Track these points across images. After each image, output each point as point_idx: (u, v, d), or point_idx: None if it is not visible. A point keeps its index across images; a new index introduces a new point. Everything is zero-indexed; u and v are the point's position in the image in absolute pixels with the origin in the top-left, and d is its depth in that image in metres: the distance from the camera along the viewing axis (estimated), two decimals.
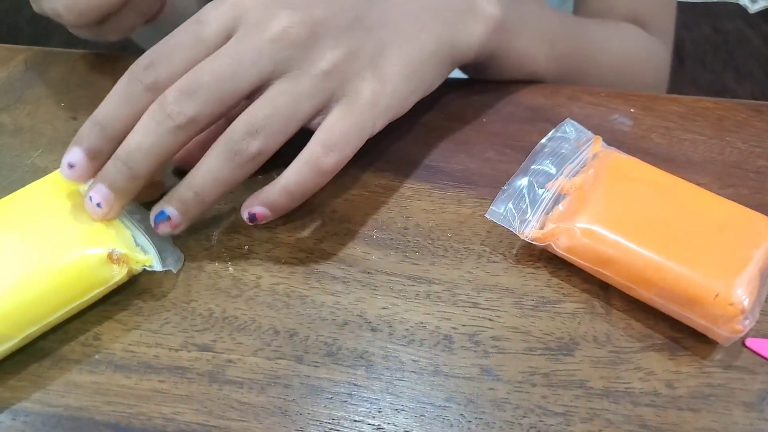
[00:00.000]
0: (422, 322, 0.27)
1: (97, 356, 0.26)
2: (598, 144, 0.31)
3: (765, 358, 0.27)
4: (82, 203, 0.28)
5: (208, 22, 0.28)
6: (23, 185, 0.29)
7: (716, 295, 0.25)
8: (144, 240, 0.28)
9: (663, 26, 0.50)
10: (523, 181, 0.29)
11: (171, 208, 0.27)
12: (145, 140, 0.27)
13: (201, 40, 0.28)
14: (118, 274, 0.27)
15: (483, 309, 0.28)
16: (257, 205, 0.28)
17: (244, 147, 0.27)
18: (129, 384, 0.25)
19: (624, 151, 0.31)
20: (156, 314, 0.27)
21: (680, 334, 0.27)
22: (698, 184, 0.30)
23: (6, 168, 0.33)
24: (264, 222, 0.29)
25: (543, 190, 0.29)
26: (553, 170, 0.30)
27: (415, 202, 0.32)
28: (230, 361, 0.26)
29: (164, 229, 0.28)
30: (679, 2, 0.55)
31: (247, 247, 0.30)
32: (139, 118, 0.27)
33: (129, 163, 0.27)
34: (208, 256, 0.29)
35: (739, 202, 0.29)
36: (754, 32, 0.96)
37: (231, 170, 0.27)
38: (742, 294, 0.25)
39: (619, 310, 0.28)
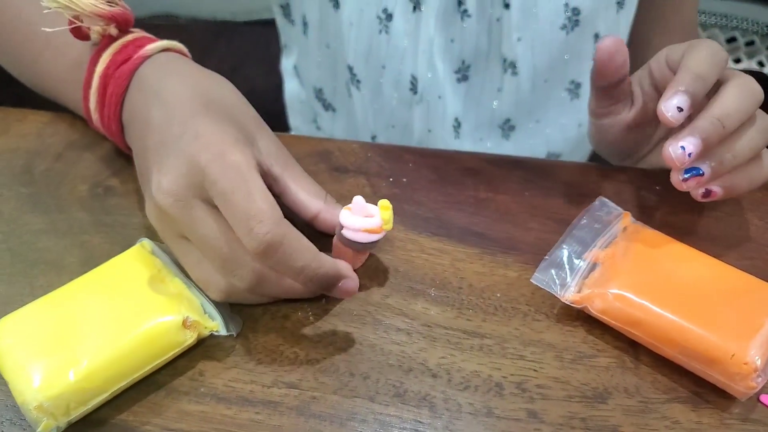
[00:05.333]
0: (476, 371, 0.32)
1: (202, 389, 0.31)
2: (627, 219, 0.36)
3: None
4: (159, 275, 0.33)
5: None
6: (133, 241, 0.35)
7: (732, 355, 0.29)
8: (210, 308, 0.33)
9: None
10: (563, 252, 0.34)
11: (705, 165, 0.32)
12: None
13: None
14: (189, 338, 0.31)
15: (529, 361, 0.32)
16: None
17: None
18: (230, 414, 0.30)
19: (650, 225, 0.36)
20: (249, 356, 0.32)
21: (703, 389, 0.31)
22: (718, 257, 0.34)
23: (119, 225, 0.39)
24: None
25: (580, 260, 0.34)
26: (589, 242, 0.35)
27: (468, 265, 0.37)
28: (314, 398, 0.31)
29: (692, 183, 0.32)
30: None
31: (324, 300, 0.35)
32: None
33: (724, 122, 0.31)
34: (292, 308, 0.34)
35: (755, 273, 0.33)
36: None
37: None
38: (755, 355, 0.29)
39: (646, 365, 0.32)
